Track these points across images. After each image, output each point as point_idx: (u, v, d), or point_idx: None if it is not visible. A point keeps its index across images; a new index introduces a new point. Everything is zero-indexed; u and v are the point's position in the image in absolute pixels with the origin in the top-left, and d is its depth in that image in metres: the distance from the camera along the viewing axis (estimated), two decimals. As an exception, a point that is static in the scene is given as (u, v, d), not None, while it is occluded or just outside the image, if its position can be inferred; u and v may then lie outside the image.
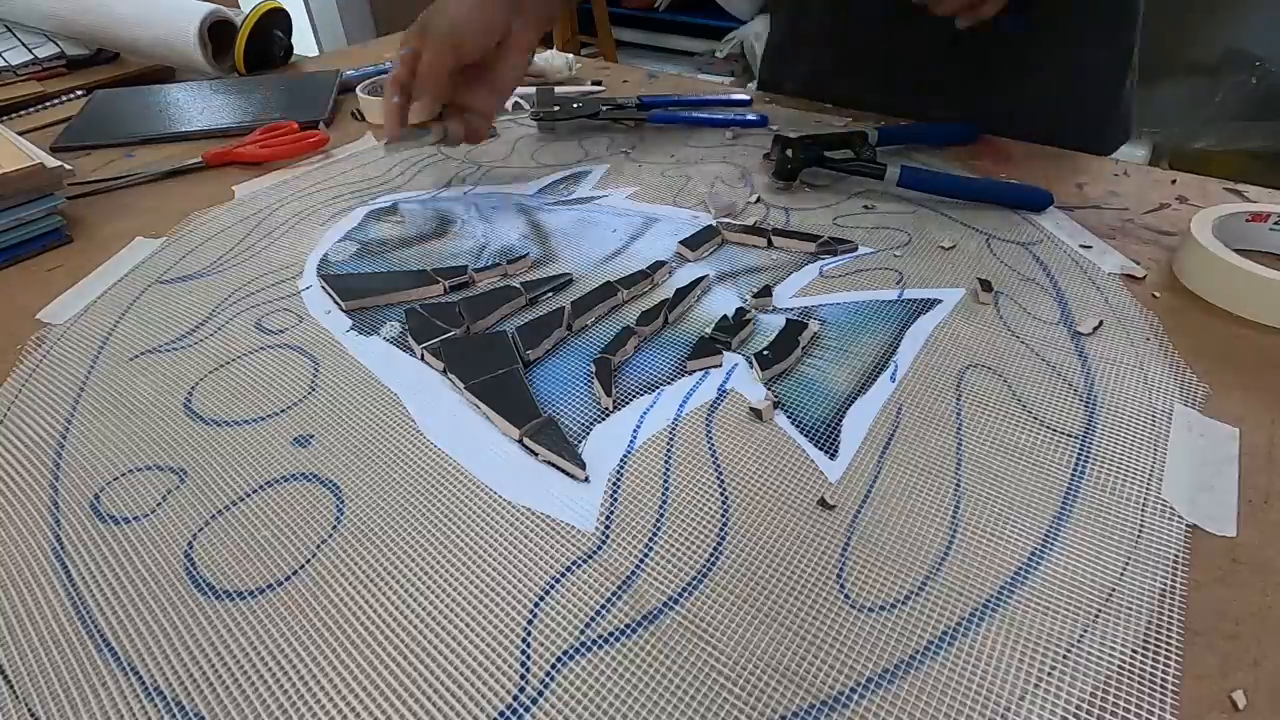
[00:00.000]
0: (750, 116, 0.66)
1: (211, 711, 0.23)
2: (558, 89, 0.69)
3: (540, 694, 0.23)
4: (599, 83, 0.77)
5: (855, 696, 0.23)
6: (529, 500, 0.30)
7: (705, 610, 0.25)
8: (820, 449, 0.32)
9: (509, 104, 0.71)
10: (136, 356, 0.39)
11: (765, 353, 0.36)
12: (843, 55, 0.68)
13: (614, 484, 0.31)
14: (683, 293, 0.42)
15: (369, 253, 0.48)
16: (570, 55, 0.79)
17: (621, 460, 0.32)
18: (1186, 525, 0.28)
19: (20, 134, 0.56)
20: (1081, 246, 0.45)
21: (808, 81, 0.72)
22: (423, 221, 0.52)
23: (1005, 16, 0.52)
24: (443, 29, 0.48)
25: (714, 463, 0.31)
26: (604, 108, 0.66)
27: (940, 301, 0.41)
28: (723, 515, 0.29)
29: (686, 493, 0.30)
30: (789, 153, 0.53)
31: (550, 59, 0.77)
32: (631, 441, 0.33)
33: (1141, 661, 0.23)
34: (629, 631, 0.25)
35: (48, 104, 0.77)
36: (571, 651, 0.24)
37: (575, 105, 0.65)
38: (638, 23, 2.59)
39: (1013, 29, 0.56)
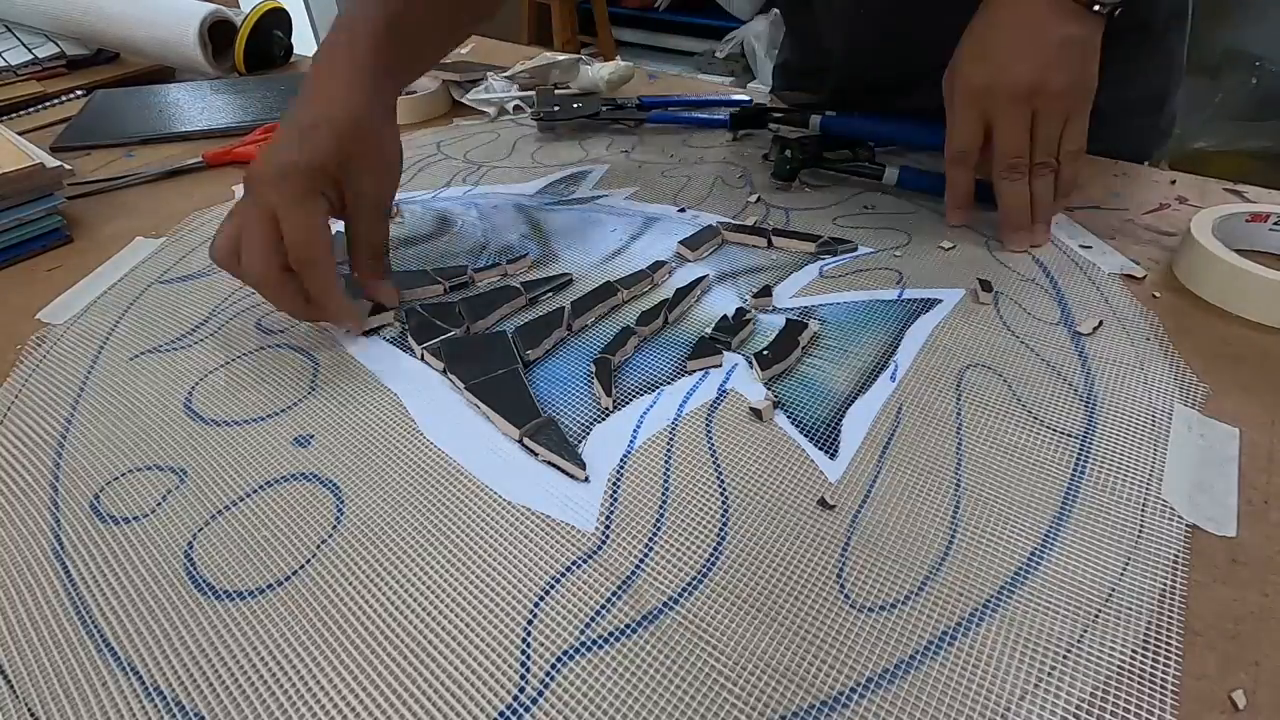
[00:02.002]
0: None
1: (211, 711, 0.23)
2: (557, 90, 0.69)
3: (540, 694, 0.23)
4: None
5: (855, 696, 0.23)
6: (529, 500, 0.30)
7: (705, 610, 0.25)
8: (820, 449, 0.32)
9: (510, 105, 0.71)
10: (136, 356, 0.39)
11: (765, 353, 0.36)
12: (854, 78, 0.65)
13: (614, 484, 0.31)
14: (683, 293, 0.42)
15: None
16: (617, 62, 0.73)
17: (621, 460, 0.32)
18: (1186, 525, 0.28)
19: (20, 134, 0.56)
20: (1081, 246, 0.45)
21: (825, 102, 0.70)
22: (423, 221, 0.52)
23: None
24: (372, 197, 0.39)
25: (714, 463, 0.31)
26: (604, 108, 0.66)
27: (940, 301, 0.41)
28: (723, 515, 0.29)
29: (686, 493, 0.30)
30: (788, 153, 0.53)
31: (598, 71, 0.71)
32: (631, 441, 0.33)
33: (1141, 661, 0.23)
34: (629, 631, 0.25)
35: (48, 104, 0.77)
36: (571, 651, 0.24)
37: (575, 105, 0.66)
38: (638, 23, 2.59)
39: None
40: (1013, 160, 0.43)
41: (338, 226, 0.51)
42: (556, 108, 0.65)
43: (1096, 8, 0.40)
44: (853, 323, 0.39)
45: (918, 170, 0.52)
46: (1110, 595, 0.25)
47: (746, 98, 0.71)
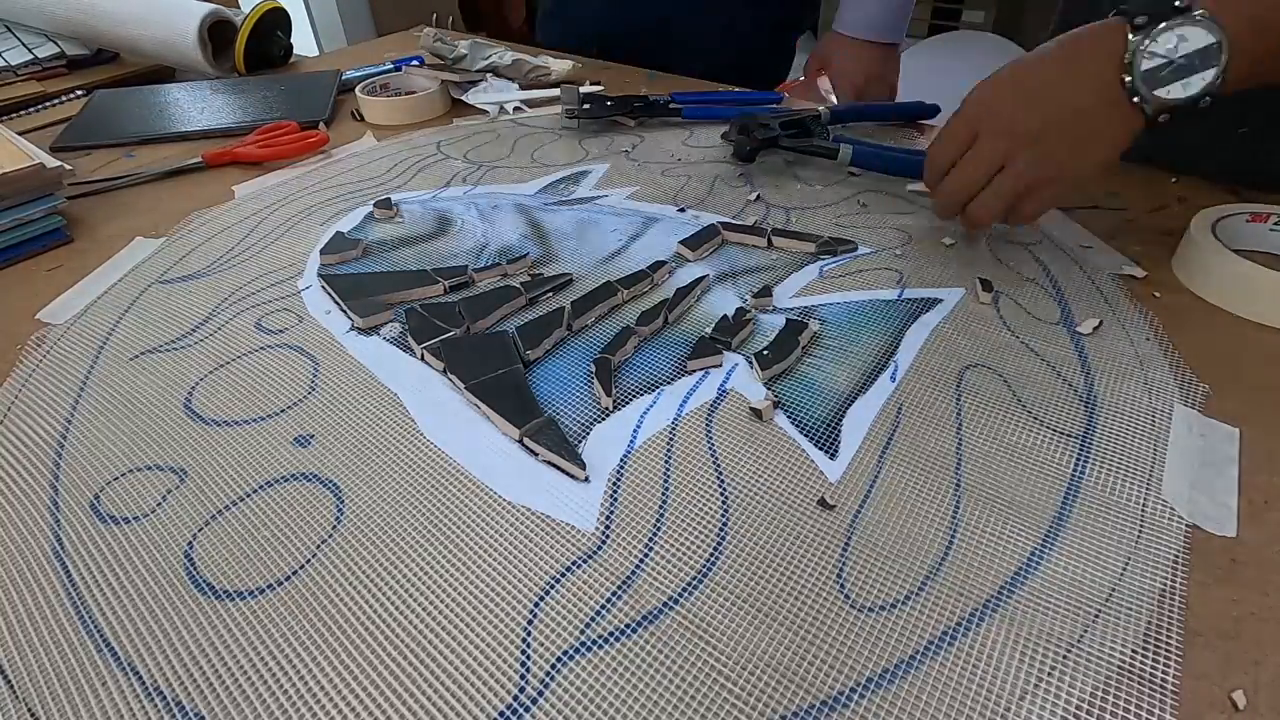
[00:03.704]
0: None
1: (211, 711, 0.23)
2: (581, 89, 0.69)
3: (540, 694, 0.23)
4: (598, 82, 0.77)
5: (855, 696, 0.23)
6: (529, 500, 0.30)
7: (705, 610, 0.25)
8: (820, 449, 0.32)
9: (510, 106, 0.71)
10: (136, 356, 0.39)
11: (765, 353, 0.36)
12: None
13: (614, 484, 0.31)
14: (683, 293, 0.42)
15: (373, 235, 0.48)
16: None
17: (621, 460, 0.32)
18: (1186, 525, 0.28)
19: (20, 134, 0.56)
20: (1081, 246, 0.45)
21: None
22: (423, 221, 0.52)
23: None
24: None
25: (714, 463, 0.31)
26: (637, 104, 0.66)
27: (940, 301, 0.41)
28: (723, 515, 0.29)
29: (686, 493, 0.30)
30: (745, 135, 0.56)
31: (549, 62, 0.78)
32: (631, 441, 0.33)
33: (1141, 661, 0.23)
34: (629, 631, 0.25)
35: (48, 104, 0.77)
36: (571, 651, 0.24)
37: (609, 104, 0.66)
38: (638, 23, 2.58)
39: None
40: (954, 189, 0.42)
41: (338, 227, 0.51)
42: (588, 105, 0.65)
43: (1136, 100, 0.36)
44: (853, 323, 0.39)
45: (869, 149, 0.54)
46: (1110, 595, 0.25)
47: (779, 94, 0.71)
